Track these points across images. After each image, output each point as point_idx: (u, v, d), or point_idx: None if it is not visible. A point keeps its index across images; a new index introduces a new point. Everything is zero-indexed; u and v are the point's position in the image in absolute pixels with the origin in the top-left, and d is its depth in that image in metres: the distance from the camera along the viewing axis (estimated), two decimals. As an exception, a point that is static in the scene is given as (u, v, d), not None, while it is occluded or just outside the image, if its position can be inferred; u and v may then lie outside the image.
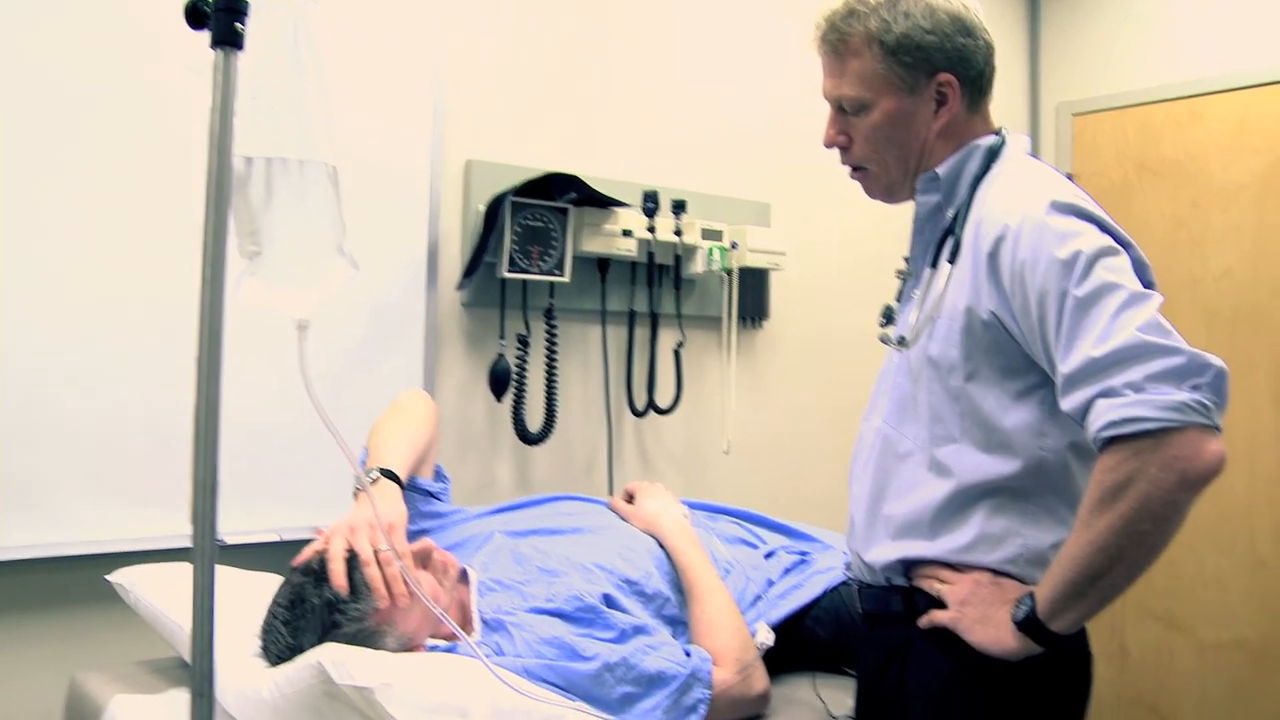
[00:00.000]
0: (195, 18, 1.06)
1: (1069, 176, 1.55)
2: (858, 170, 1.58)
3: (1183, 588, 3.41)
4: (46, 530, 1.94)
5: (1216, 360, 1.22)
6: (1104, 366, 1.23)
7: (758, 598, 1.92)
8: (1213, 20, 3.45)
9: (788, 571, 2.02)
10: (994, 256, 1.36)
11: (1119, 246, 1.32)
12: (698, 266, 2.74)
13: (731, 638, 1.73)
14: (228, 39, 1.05)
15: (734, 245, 2.75)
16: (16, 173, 1.89)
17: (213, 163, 1.05)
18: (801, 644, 1.90)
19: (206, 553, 1.03)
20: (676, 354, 2.75)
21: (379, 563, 1.55)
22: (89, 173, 1.97)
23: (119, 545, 1.98)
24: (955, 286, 1.42)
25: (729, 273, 2.79)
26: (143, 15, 2.00)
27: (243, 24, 1.05)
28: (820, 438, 3.16)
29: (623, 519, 2.01)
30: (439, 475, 2.03)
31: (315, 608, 1.53)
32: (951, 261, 1.43)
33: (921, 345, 1.46)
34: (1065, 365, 1.27)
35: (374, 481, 1.71)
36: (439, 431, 2.02)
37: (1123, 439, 1.21)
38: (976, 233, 1.41)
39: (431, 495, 1.96)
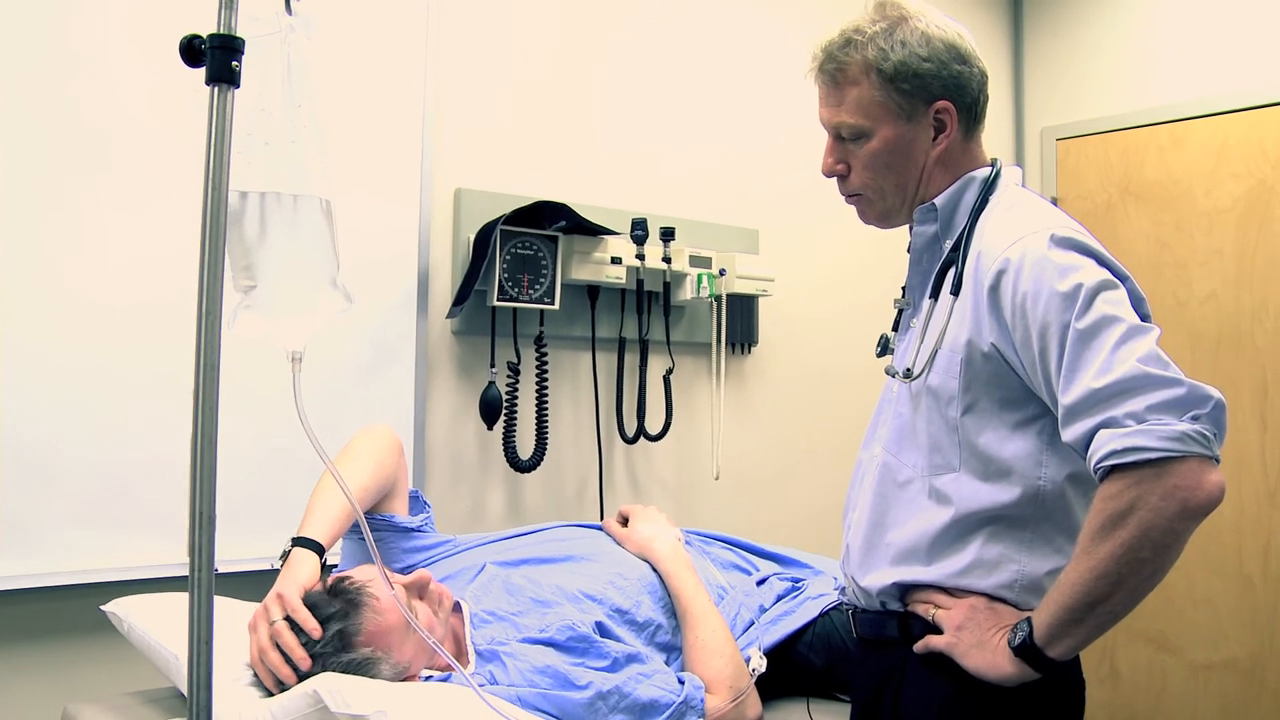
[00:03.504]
0: (191, 55, 1.07)
1: (1053, 200, 1.57)
2: (854, 196, 1.59)
3: (1173, 609, 3.42)
4: (37, 560, 1.93)
5: (1215, 392, 1.23)
6: (1106, 397, 1.24)
7: (750, 623, 1.92)
8: (1193, 46, 3.49)
9: (780, 598, 2.02)
10: (995, 290, 1.38)
11: (1117, 280, 1.34)
12: (686, 293, 2.75)
13: (725, 664, 1.73)
14: (223, 76, 1.06)
15: (722, 272, 2.77)
16: (13, 207, 1.90)
17: (208, 197, 1.06)
18: (795, 670, 1.90)
19: (204, 584, 1.03)
20: (666, 380, 2.76)
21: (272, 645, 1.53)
22: (82, 205, 1.97)
23: (111, 574, 1.98)
24: (956, 319, 1.44)
25: (717, 299, 2.80)
26: (144, 48, 2.02)
27: (238, 62, 1.06)
28: (809, 462, 3.17)
29: (617, 543, 2.01)
30: (419, 503, 2.02)
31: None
32: (954, 294, 1.45)
33: (922, 375, 1.47)
34: (1067, 397, 1.28)
35: (287, 554, 1.67)
36: (404, 463, 1.95)
37: (1124, 468, 1.22)
38: (977, 266, 1.42)
39: (412, 530, 1.95)
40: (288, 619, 1.53)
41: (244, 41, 1.07)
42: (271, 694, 1.51)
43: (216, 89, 1.06)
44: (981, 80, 1.53)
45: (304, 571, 1.63)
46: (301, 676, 1.49)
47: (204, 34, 1.06)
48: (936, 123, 1.50)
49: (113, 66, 2.00)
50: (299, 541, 1.68)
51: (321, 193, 1.18)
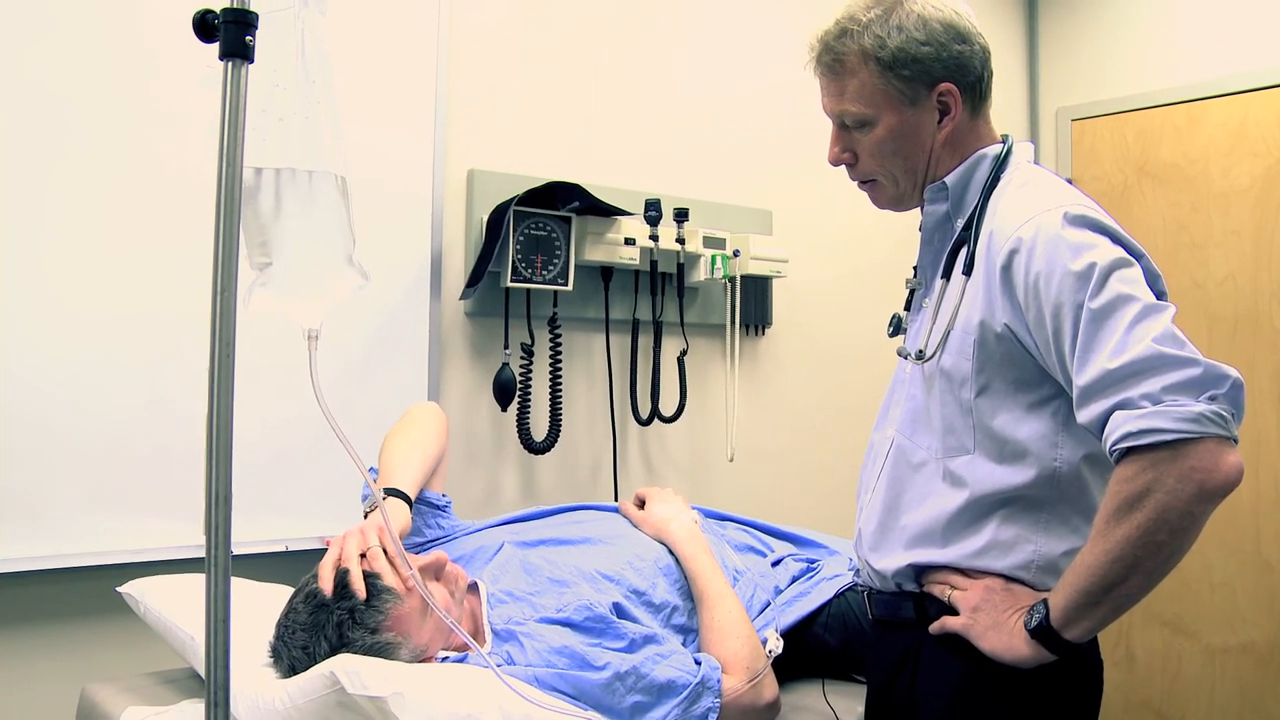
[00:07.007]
0: (204, 30, 1.06)
1: (1069, 181, 1.55)
2: (866, 183, 1.58)
3: (1189, 592, 3.40)
4: (55, 542, 1.93)
5: (1233, 371, 1.21)
6: (1121, 378, 1.23)
7: (766, 604, 1.92)
8: (1209, 25, 3.46)
9: (795, 579, 2.02)
10: (1008, 269, 1.36)
11: (1132, 258, 1.32)
12: (700, 274, 2.74)
13: (742, 645, 1.72)
14: (237, 51, 1.05)
15: (736, 253, 2.75)
16: (21, 180, 1.89)
17: (223, 174, 1.05)
18: (810, 651, 1.90)
19: (221, 563, 1.03)
20: (680, 362, 2.75)
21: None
22: (95, 181, 1.96)
23: (128, 556, 1.98)
24: (969, 299, 1.42)
25: (731, 280, 2.79)
26: (150, 27, 2.01)
27: (252, 36, 1.05)
28: (823, 444, 3.16)
29: (633, 525, 2.01)
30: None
31: (332, 619, 1.53)
32: (966, 273, 1.43)
33: (934, 357, 1.46)
34: (1081, 377, 1.26)
35: (382, 500, 1.73)
36: (449, 442, 2.03)
37: (1140, 450, 1.21)
38: (989, 245, 1.40)
39: (439, 509, 1.97)
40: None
41: (258, 16, 1.07)
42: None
43: (230, 64, 1.06)
44: (984, 57, 1.50)
45: (399, 516, 1.73)
46: (318, 658, 1.49)
47: (217, 8, 1.06)
48: (941, 105, 1.48)
49: (123, 40, 1.99)
50: (390, 492, 1.76)
51: (337, 169, 1.17)
